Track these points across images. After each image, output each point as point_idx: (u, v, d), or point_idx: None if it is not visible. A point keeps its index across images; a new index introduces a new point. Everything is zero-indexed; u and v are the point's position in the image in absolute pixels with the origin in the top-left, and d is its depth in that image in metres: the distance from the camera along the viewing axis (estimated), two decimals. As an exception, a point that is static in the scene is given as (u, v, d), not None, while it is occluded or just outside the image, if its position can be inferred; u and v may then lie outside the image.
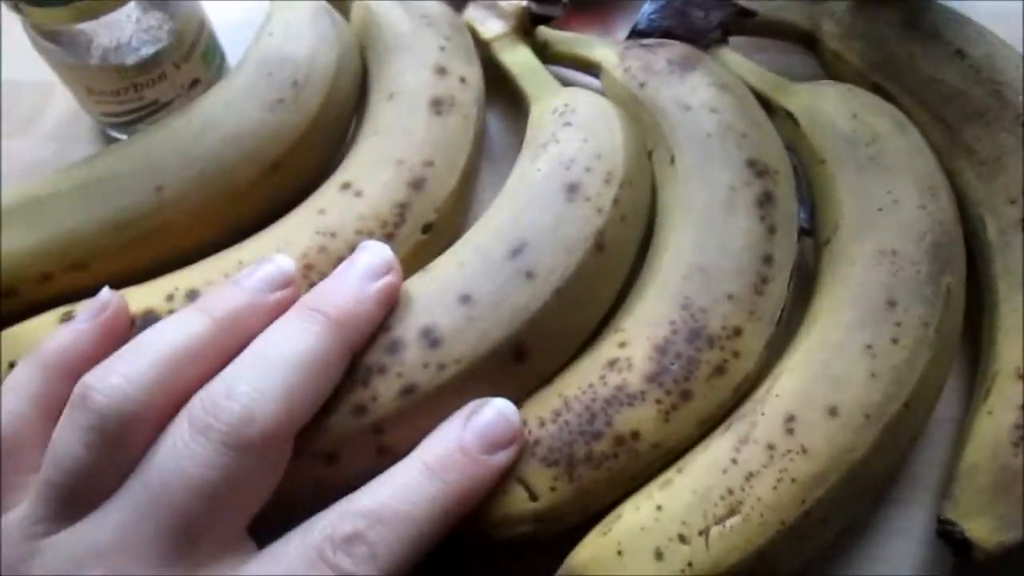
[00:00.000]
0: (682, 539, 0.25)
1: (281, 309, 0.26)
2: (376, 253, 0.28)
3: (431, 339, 0.27)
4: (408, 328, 0.27)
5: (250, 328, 0.26)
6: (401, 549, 0.23)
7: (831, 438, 0.27)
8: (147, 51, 0.33)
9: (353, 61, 0.34)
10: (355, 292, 0.27)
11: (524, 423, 0.27)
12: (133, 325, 0.28)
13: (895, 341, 0.28)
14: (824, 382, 0.28)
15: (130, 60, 0.33)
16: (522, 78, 0.35)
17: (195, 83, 0.36)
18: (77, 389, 0.24)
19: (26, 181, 0.32)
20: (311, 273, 0.29)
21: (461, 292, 0.28)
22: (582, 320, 0.29)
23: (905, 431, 0.28)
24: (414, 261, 0.31)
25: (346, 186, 0.31)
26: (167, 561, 0.23)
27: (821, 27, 0.36)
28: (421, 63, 0.33)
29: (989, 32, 0.34)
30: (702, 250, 0.29)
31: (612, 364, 0.28)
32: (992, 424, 0.28)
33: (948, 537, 0.28)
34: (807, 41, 0.36)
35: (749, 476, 0.26)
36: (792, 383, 0.28)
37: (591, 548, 0.26)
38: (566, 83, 0.35)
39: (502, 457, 0.26)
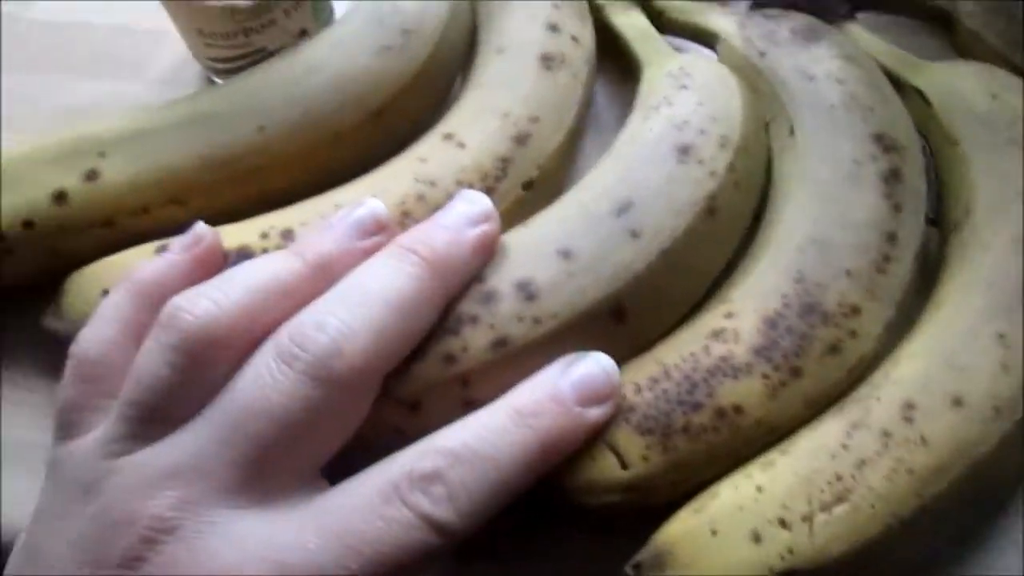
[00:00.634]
0: (783, 523, 0.24)
1: (373, 254, 0.26)
2: (475, 201, 0.27)
3: (527, 292, 0.26)
4: (504, 280, 0.26)
5: (342, 271, 0.25)
6: (480, 494, 0.22)
7: (955, 430, 0.24)
8: (260, -5, 0.33)
9: (464, 14, 0.34)
10: (452, 236, 0.26)
11: (620, 386, 0.26)
12: (227, 260, 0.28)
13: (1031, 333, 0.26)
14: (949, 370, 0.25)
15: (243, 1, 0.33)
16: (635, 41, 0.34)
17: (303, 33, 0.36)
18: (166, 309, 0.23)
19: (130, 113, 0.32)
20: (407, 220, 0.29)
21: (561, 246, 0.27)
22: (687, 286, 0.28)
23: (1037, 432, 0.25)
24: (513, 217, 0.30)
25: (448, 136, 0.30)
26: (239, 488, 0.22)
27: (958, 4, 0.33)
28: (533, 18, 0.32)
29: None
30: (820, 223, 0.28)
31: (717, 334, 0.26)
32: None
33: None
34: (941, 19, 0.34)
35: (861, 464, 0.24)
36: (913, 369, 0.26)
37: (683, 525, 0.24)
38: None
39: (597, 413, 0.24)
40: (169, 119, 0.31)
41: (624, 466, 0.25)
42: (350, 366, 0.22)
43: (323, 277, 0.25)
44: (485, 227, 0.26)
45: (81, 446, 0.23)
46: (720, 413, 0.25)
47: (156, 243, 0.29)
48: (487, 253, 0.26)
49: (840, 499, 0.24)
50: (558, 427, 0.24)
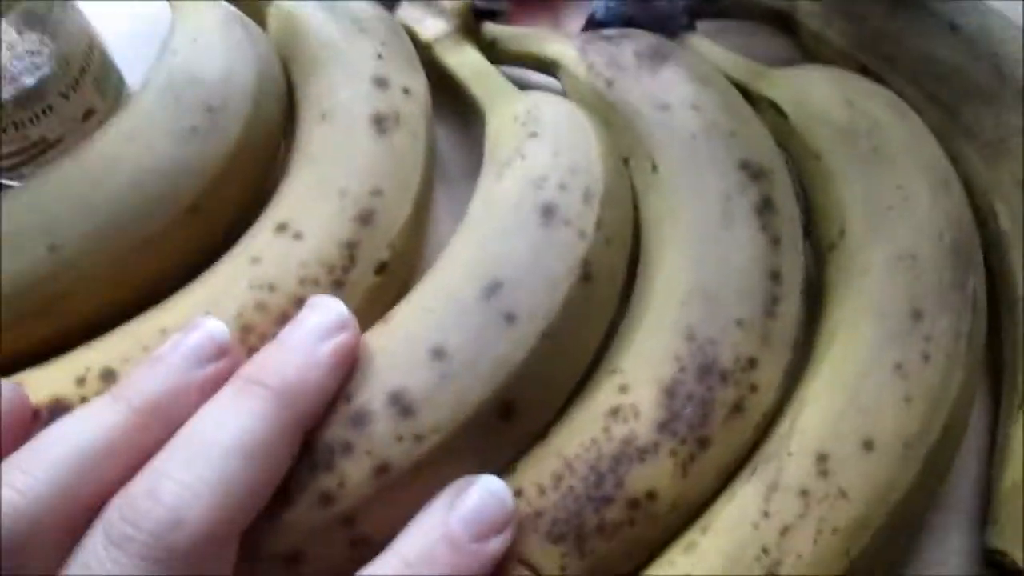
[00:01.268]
0: (718, 612, 0.22)
1: (215, 386, 0.22)
2: (327, 309, 0.23)
3: (402, 405, 0.23)
4: (374, 394, 0.23)
5: (179, 414, 0.21)
6: None
7: (870, 476, 0.23)
8: (27, 81, 0.28)
9: (275, 78, 0.29)
10: (303, 357, 0.22)
11: (520, 493, 0.23)
12: (38, 418, 0.24)
13: (926, 358, 0.25)
14: (854, 411, 0.24)
15: (7, 94, 0.28)
16: (472, 83, 0.31)
17: (89, 114, 0.31)
18: None
19: None
20: (250, 336, 0.25)
21: (432, 345, 0.24)
22: (574, 363, 0.26)
23: (946, 458, 0.25)
24: (370, 309, 0.26)
25: (282, 227, 0.26)
26: None
27: (798, 5, 0.32)
28: (356, 75, 0.29)
29: (981, 2, 0.31)
30: (701, 270, 0.26)
31: (615, 413, 0.24)
32: (1035, 439, 0.25)
33: (999, 568, 0.25)
34: (782, 22, 0.33)
35: (785, 530, 0.23)
36: (818, 415, 0.24)
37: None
38: (520, 85, 0.31)
39: (496, 544, 0.22)
40: (-64, 252, 0.26)
41: (542, 582, 0.22)
42: (194, 536, 0.19)
43: (158, 425, 0.21)
44: (341, 338, 0.23)
45: None
46: (633, 503, 0.23)
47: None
48: (346, 368, 0.23)
49: (771, 574, 0.22)
50: (459, 572, 0.21)
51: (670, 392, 0.24)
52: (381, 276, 0.27)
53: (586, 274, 0.25)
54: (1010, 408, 0.27)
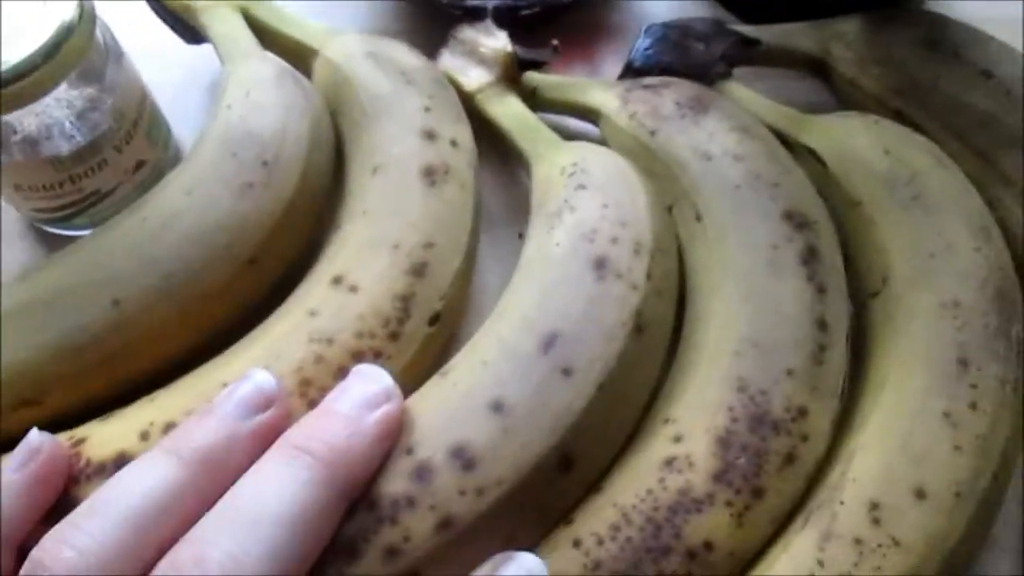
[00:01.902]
0: (777, 661, 0.22)
1: (264, 436, 0.22)
2: (372, 378, 0.24)
3: (464, 459, 0.23)
4: (436, 448, 0.23)
5: (229, 465, 0.22)
6: None
7: (923, 525, 0.24)
8: (83, 137, 0.29)
9: (326, 130, 0.30)
10: (349, 426, 0.22)
11: (579, 543, 0.24)
12: (104, 472, 0.24)
13: (974, 406, 0.25)
14: (904, 460, 0.25)
15: (64, 150, 0.29)
16: (517, 133, 0.31)
17: (140, 165, 0.31)
18: (27, 566, 0.20)
19: (-48, 306, 0.27)
20: (309, 389, 0.25)
21: (491, 399, 0.24)
22: (628, 413, 0.26)
23: (995, 504, 0.25)
24: (423, 359, 0.27)
25: (337, 280, 0.27)
26: None
27: (832, 52, 0.33)
28: (406, 128, 0.29)
29: (1013, 49, 0.32)
30: (751, 321, 0.26)
31: (670, 463, 0.25)
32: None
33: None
34: (817, 68, 0.34)
35: (840, 580, 0.23)
36: (869, 463, 0.25)
37: None
38: (558, 131, 0.32)
39: None
40: (5, 307, 0.26)
41: (601, 633, 0.23)
42: None
43: (208, 477, 0.22)
44: (386, 408, 0.23)
45: None
46: (691, 554, 0.23)
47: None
48: (391, 439, 0.23)
49: (828, 623, 0.23)
50: None
51: (724, 442, 0.25)
52: (434, 327, 0.27)
53: (639, 325, 0.26)
54: (1054, 451, 0.27)
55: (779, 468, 0.25)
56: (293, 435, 0.22)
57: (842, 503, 0.24)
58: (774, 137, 0.30)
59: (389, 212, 0.28)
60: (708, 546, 0.24)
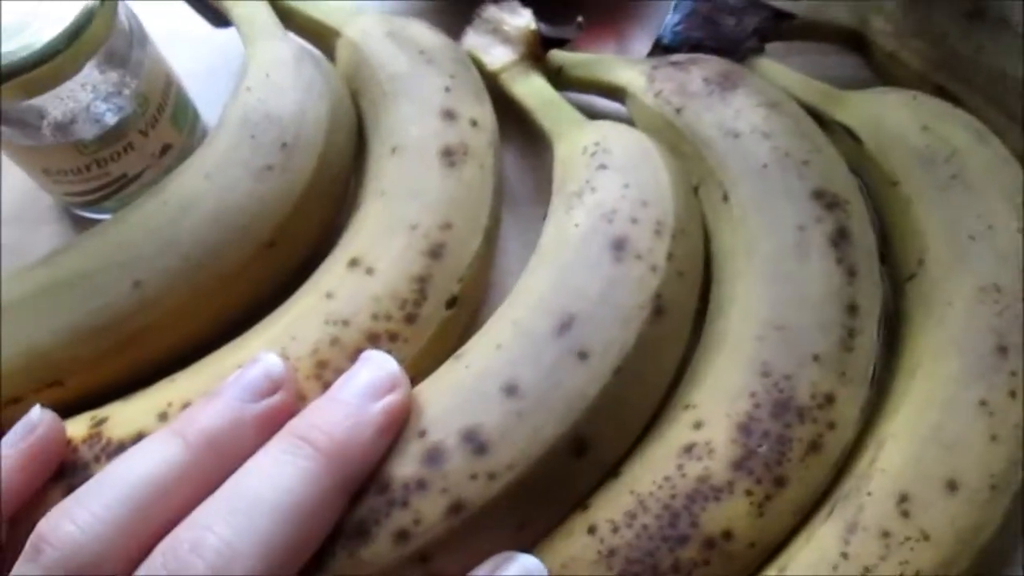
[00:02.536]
0: (797, 655, 0.22)
1: (270, 420, 0.23)
2: (379, 366, 0.23)
3: (476, 443, 0.23)
4: (448, 431, 0.23)
5: (233, 448, 0.22)
6: None
7: (954, 518, 0.23)
8: (109, 121, 0.29)
9: (346, 112, 0.30)
10: (352, 416, 0.22)
11: (594, 530, 0.23)
12: (123, 451, 0.24)
13: (1013, 394, 0.24)
14: (936, 449, 0.24)
15: (90, 134, 0.29)
16: (540, 112, 0.31)
17: (166, 149, 0.32)
18: (31, 538, 0.20)
19: (-22, 288, 0.27)
20: (325, 371, 0.25)
21: (505, 381, 0.24)
22: (647, 398, 0.25)
23: (1034, 497, 0.24)
24: (441, 341, 0.27)
25: (354, 262, 0.27)
26: None
27: (871, 25, 0.31)
28: (425, 108, 0.29)
29: (1063, 17, 0.30)
30: (776, 304, 0.25)
31: (689, 450, 0.24)
32: None
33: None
34: (855, 42, 0.32)
35: (865, 571, 0.22)
36: (899, 453, 0.24)
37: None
38: (587, 111, 0.31)
39: None
40: (27, 289, 0.27)
41: (616, 623, 0.22)
42: None
43: (213, 460, 0.22)
44: (391, 398, 0.23)
45: None
46: (709, 543, 0.23)
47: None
48: (394, 430, 0.23)
49: (851, 618, 0.22)
50: None
51: (745, 430, 0.24)
52: (452, 310, 0.27)
53: (658, 308, 0.25)
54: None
55: (803, 456, 0.24)
56: (296, 424, 0.22)
57: (869, 494, 0.23)
58: (805, 113, 0.29)
59: (407, 193, 0.28)
60: (727, 535, 0.23)
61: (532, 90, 0.31)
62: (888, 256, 0.29)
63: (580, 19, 0.32)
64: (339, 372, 0.24)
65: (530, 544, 0.24)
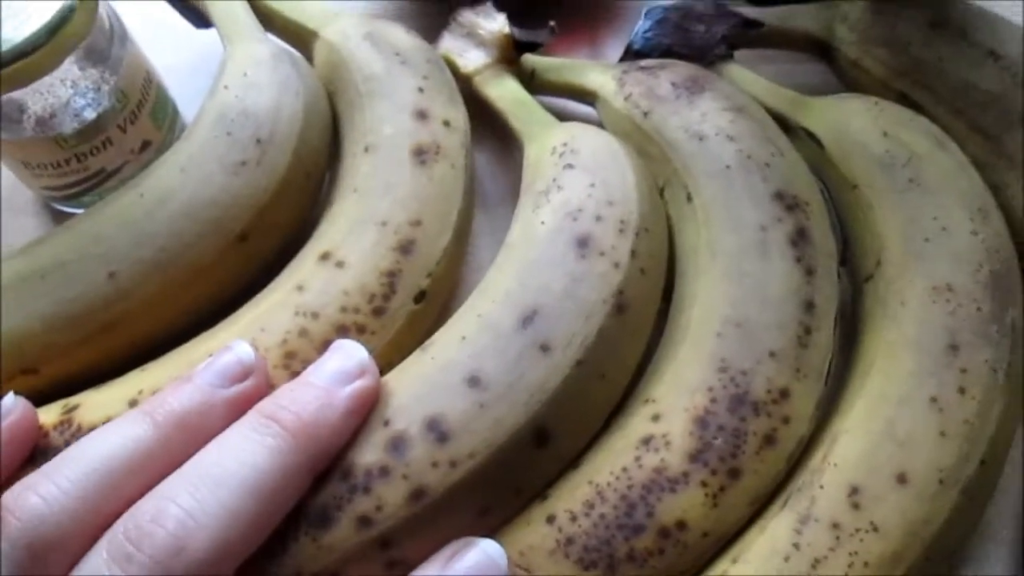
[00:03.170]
0: (747, 643, 0.22)
1: (239, 405, 0.23)
2: (349, 354, 0.24)
3: (439, 432, 0.23)
4: (411, 420, 0.24)
5: (202, 430, 0.22)
6: None
7: (904, 510, 0.23)
8: (88, 115, 0.30)
9: (321, 111, 0.30)
10: (321, 398, 0.23)
11: (553, 519, 0.24)
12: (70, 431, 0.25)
13: (962, 391, 0.25)
14: (888, 444, 0.24)
15: (68, 128, 0.29)
16: (511, 114, 0.31)
17: (146, 146, 0.32)
18: None
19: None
20: (293, 362, 0.26)
21: (468, 373, 0.24)
22: (608, 392, 0.26)
23: (983, 492, 0.25)
24: (409, 335, 0.27)
25: (325, 256, 0.27)
26: None
27: (835, 33, 0.32)
28: (398, 108, 0.29)
29: (1020, 29, 0.31)
30: (736, 302, 0.26)
31: (647, 442, 0.25)
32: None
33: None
34: (820, 49, 0.33)
35: (815, 563, 0.23)
36: (851, 448, 0.24)
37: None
38: (560, 115, 0.32)
39: None
40: (3, 279, 0.27)
41: (572, 608, 0.23)
42: (192, 564, 0.20)
43: (181, 441, 0.22)
44: (360, 383, 0.23)
45: None
46: (664, 533, 0.23)
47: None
48: (362, 413, 0.24)
49: (801, 607, 0.22)
50: None
51: (702, 423, 0.24)
52: (420, 304, 0.27)
53: (620, 304, 0.26)
54: (1051, 441, 0.27)
55: (758, 449, 0.24)
56: (264, 404, 0.23)
57: (822, 487, 0.24)
58: (770, 118, 0.30)
59: (378, 190, 0.28)
60: (681, 525, 0.23)
61: (505, 92, 0.32)
62: (848, 258, 0.29)
63: (552, 24, 0.33)
64: (307, 362, 0.25)
65: (490, 531, 0.24)
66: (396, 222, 0.28)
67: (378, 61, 0.31)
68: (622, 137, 0.30)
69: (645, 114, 0.30)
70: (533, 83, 0.33)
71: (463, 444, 0.23)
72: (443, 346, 0.25)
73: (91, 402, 0.26)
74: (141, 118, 0.31)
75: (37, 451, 0.25)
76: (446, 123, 0.30)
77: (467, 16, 0.33)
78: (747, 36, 0.33)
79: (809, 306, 0.26)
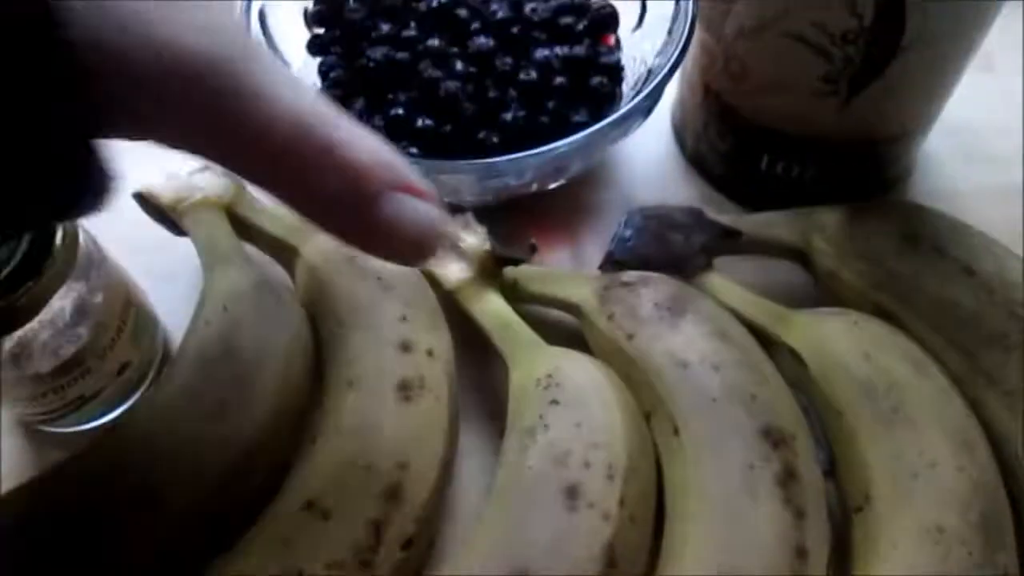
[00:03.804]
0: None
1: None
2: None
3: None
4: None
5: None
6: None
7: None
8: (65, 353, 0.29)
9: (305, 345, 0.30)
10: None
11: None
12: None
13: (958, 644, 0.24)
14: None
15: (46, 367, 0.29)
16: (495, 335, 0.31)
17: (125, 367, 0.32)
18: None
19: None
20: (278, 628, 0.25)
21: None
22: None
23: None
24: (397, 582, 0.27)
25: (310, 505, 0.27)
26: None
27: (812, 244, 0.33)
28: (382, 341, 0.29)
29: (995, 243, 0.31)
30: (727, 549, 0.26)
31: None
32: None
33: None
34: (798, 257, 0.33)
35: None
36: None
37: None
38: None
39: None
40: None
41: None
42: None
43: None
44: None
45: None
46: None
47: None
48: None
49: None
50: None
51: None
52: (407, 551, 0.27)
53: (611, 559, 0.25)
54: None
55: None
56: None
57: None
58: (753, 340, 0.30)
59: (363, 431, 0.28)
60: None
61: (488, 310, 0.32)
62: (836, 474, 0.29)
63: (533, 241, 0.33)
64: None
65: None
66: (382, 466, 0.27)
67: (360, 289, 0.30)
68: (606, 358, 0.31)
69: (629, 337, 0.30)
70: (515, 292, 0.33)
71: None
72: (432, 611, 0.25)
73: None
74: (120, 342, 0.31)
75: None
76: (430, 352, 0.30)
77: (448, 226, 0.33)
78: (726, 245, 0.33)
79: (801, 552, 0.26)
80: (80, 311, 0.29)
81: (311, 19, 0.41)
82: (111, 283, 0.31)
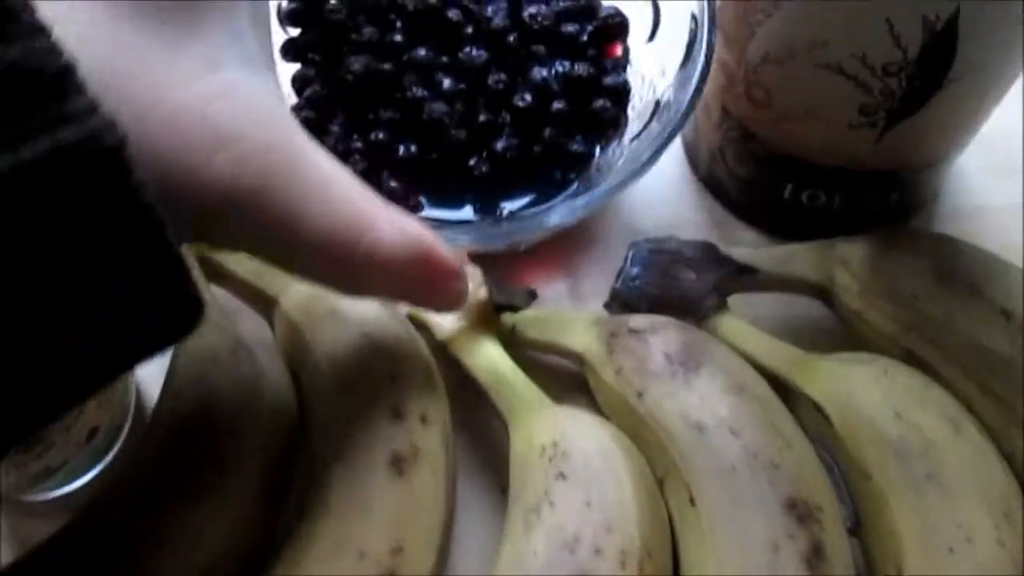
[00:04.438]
0: None
1: None
2: None
3: None
4: None
5: None
6: None
7: None
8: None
9: (288, 411, 0.28)
10: None
11: None
12: None
13: None
14: None
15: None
16: (493, 391, 0.29)
17: (93, 433, 0.29)
18: None
19: None
20: None
21: None
22: None
23: None
24: None
25: (299, 598, 0.25)
26: None
27: (836, 280, 0.30)
28: (370, 407, 0.27)
29: (1033, 282, 0.29)
30: (751, 640, 0.24)
31: None
32: None
33: None
34: (820, 294, 0.31)
35: None
36: None
37: None
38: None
39: None
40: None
41: None
42: None
43: None
44: None
45: None
46: None
47: None
48: None
49: None
50: None
51: None
52: (403, 643, 0.25)
53: (625, 662, 0.23)
54: None
55: None
56: None
57: None
58: (772, 393, 0.28)
59: (352, 510, 0.25)
60: None
61: (485, 363, 0.29)
62: (860, 534, 0.27)
63: (532, 288, 0.30)
64: None
65: None
66: (375, 552, 0.25)
67: (345, 346, 0.28)
68: (614, 414, 0.28)
69: (639, 395, 0.28)
70: (514, 339, 0.31)
71: None
72: None
73: None
74: (87, 411, 0.28)
75: None
76: (423, 419, 0.27)
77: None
78: (741, 282, 0.31)
79: (830, 640, 0.24)
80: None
81: (286, 18, 0.37)
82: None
